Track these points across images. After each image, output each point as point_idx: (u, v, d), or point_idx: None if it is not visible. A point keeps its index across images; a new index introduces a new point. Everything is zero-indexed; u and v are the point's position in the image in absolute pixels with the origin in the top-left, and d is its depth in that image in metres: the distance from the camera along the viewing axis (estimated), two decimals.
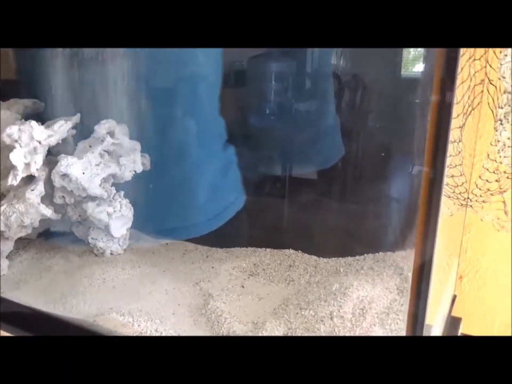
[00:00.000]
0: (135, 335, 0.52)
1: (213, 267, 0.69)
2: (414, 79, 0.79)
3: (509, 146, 0.48)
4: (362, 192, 0.83)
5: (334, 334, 0.48)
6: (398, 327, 0.48)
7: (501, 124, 0.47)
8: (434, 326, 0.54)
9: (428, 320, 0.43)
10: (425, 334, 0.42)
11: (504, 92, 0.46)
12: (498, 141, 0.48)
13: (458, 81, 0.51)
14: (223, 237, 0.79)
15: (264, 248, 0.73)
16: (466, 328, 0.67)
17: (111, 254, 0.73)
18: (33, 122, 0.67)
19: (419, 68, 0.78)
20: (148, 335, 0.52)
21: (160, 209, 0.78)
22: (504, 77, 0.44)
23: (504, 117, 0.46)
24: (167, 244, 0.77)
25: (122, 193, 0.73)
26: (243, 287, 0.64)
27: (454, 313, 0.65)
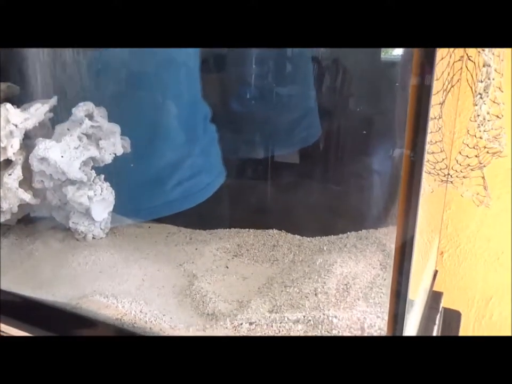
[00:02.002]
0: (119, 316, 0.52)
1: (196, 249, 0.69)
2: (394, 62, 0.79)
3: (488, 120, 0.48)
4: (344, 171, 0.83)
5: (319, 309, 0.49)
6: (381, 301, 0.49)
7: (481, 97, 0.47)
8: (417, 301, 0.55)
9: (410, 296, 0.43)
10: (407, 308, 0.43)
11: (484, 65, 0.46)
12: (478, 115, 0.49)
13: (437, 58, 0.51)
14: (206, 218, 0.78)
15: (247, 229, 0.73)
16: (448, 303, 0.68)
17: (93, 238, 0.72)
18: (9, 105, 0.65)
19: (399, 50, 0.78)
20: (132, 316, 0.52)
21: (139, 187, 0.78)
22: (483, 50, 0.44)
23: (484, 90, 0.47)
24: (149, 227, 0.77)
25: (102, 176, 0.72)
26: (227, 267, 0.64)
27: (435, 288, 0.66)
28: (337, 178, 0.84)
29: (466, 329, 0.74)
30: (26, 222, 0.76)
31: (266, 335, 0.46)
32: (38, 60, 0.78)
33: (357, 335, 0.45)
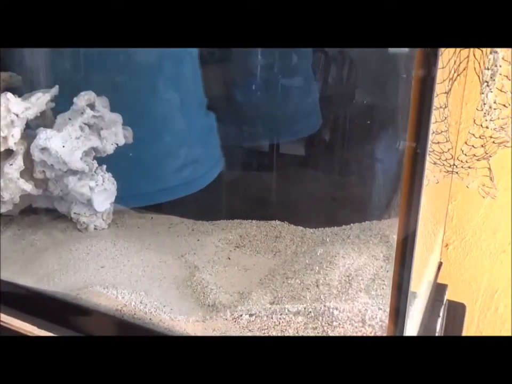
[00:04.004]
0: (119, 307, 0.52)
1: (198, 240, 0.68)
2: (401, 53, 0.78)
3: (495, 109, 0.47)
4: (348, 162, 0.82)
5: (320, 301, 0.48)
6: (383, 292, 0.48)
7: (487, 85, 0.46)
8: (420, 293, 0.54)
9: (412, 288, 0.42)
10: (409, 300, 0.42)
11: (491, 52, 0.45)
12: (484, 104, 0.47)
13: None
14: (209, 209, 0.78)
15: (250, 220, 0.72)
16: (452, 295, 0.67)
17: (95, 229, 0.72)
18: (10, 94, 0.65)
19: None
20: (132, 307, 0.51)
21: (138, 173, 0.77)
22: None
23: (491, 78, 0.46)
24: (152, 218, 0.76)
25: (104, 167, 0.71)
26: (229, 258, 0.64)
27: (440, 280, 0.66)
28: (341, 169, 0.83)
29: (471, 322, 0.73)
30: (28, 212, 0.76)
31: (265, 326, 0.46)
32: (40, 49, 0.77)
33: (358, 327, 0.44)
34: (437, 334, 0.56)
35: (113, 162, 0.72)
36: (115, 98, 0.71)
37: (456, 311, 0.67)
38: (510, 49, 0.49)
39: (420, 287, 0.55)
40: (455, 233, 0.70)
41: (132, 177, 0.76)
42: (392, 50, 0.76)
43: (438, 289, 0.63)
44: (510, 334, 0.71)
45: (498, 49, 0.45)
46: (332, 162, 0.86)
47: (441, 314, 0.59)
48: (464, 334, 0.70)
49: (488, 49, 0.51)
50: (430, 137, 0.38)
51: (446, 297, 0.64)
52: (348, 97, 0.85)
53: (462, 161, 0.59)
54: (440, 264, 0.69)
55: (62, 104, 0.71)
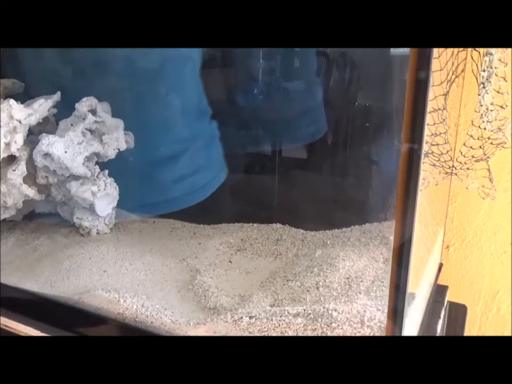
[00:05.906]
0: (121, 311, 0.52)
1: (200, 243, 0.69)
2: (402, 56, 0.78)
3: (491, 110, 0.47)
4: (349, 165, 0.83)
5: (320, 303, 0.48)
6: (383, 294, 0.48)
7: (484, 87, 0.46)
8: (420, 294, 0.54)
9: (411, 289, 0.43)
10: (408, 301, 0.42)
11: (486, 54, 0.46)
12: (481, 105, 0.48)
13: (441, 49, 0.50)
14: (210, 213, 0.78)
15: (251, 223, 0.72)
16: (453, 296, 0.67)
17: (97, 233, 0.72)
18: (12, 101, 0.65)
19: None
20: (134, 310, 0.52)
21: (140, 183, 0.78)
22: None
23: (487, 79, 0.46)
24: (154, 222, 0.77)
25: (106, 172, 0.72)
26: (230, 262, 0.64)
27: (441, 282, 0.66)
28: (342, 172, 0.83)
29: (472, 324, 0.73)
30: (31, 218, 0.77)
31: (265, 328, 0.46)
32: (42, 55, 0.78)
33: (357, 328, 0.45)
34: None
35: (115, 172, 0.72)
36: (116, 105, 0.72)
37: (458, 313, 0.67)
38: (505, 50, 0.49)
39: (420, 288, 0.55)
40: (456, 234, 0.71)
41: (135, 190, 0.77)
42: (397, 51, 0.77)
43: (439, 291, 0.63)
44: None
45: (494, 51, 0.45)
46: (335, 166, 0.87)
47: (441, 315, 0.59)
48: (466, 335, 0.70)
49: (485, 51, 0.51)
50: (426, 138, 0.39)
51: (446, 299, 0.64)
52: (351, 101, 0.85)
53: (461, 162, 0.59)
54: (440, 266, 0.69)
55: (64, 110, 0.72)
